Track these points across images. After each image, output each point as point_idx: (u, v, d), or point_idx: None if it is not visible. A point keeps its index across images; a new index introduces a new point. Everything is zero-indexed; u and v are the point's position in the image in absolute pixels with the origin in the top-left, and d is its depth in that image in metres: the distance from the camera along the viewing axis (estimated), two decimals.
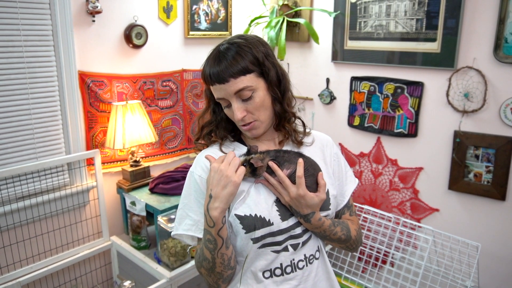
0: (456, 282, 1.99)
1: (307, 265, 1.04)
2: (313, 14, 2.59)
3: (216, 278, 1.01)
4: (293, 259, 1.03)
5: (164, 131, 2.50)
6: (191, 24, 2.50)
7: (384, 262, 2.25)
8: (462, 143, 2.07)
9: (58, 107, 2.04)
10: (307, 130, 1.15)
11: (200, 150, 1.13)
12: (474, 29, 1.96)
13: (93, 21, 2.09)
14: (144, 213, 2.12)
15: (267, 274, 1.02)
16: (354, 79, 2.45)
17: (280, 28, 2.43)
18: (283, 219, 1.01)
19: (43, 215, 2.02)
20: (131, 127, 2.12)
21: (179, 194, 1.45)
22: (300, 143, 1.11)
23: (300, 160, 1.00)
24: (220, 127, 1.10)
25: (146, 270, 2.05)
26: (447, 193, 2.19)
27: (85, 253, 2.16)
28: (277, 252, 1.01)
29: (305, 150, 1.10)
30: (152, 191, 2.20)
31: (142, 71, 2.34)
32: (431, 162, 2.22)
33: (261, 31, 2.64)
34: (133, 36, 2.22)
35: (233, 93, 0.98)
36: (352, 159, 2.56)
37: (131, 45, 2.25)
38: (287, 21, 2.49)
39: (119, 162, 2.32)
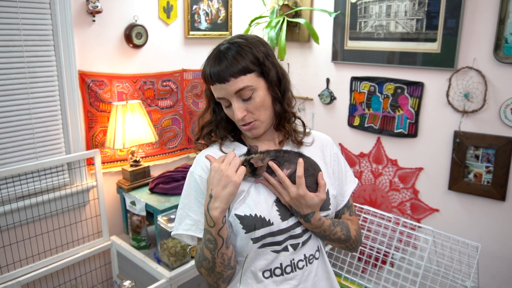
0: (456, 283, 1.99)
1: (307, 265, 1.05)
2: (313, 14, 2.59)
3: (216, 278, 1.01)
4: (293, 259, 1.03)
5: (164, 131, 2.50)
6: (191, 24, 2.51)
7: (384, 262, 2.25)
8: (462, 143, 2.07)
9: (58, 106, 2.04)
10: (307, 130, 1.15)
11: (200, 150, 1.13)
12: (474, 30, 1.96)
13: (93, 21, 2.09)
14: (144, 213, 2.12)
15: (267, 274, 1.02)
16: (354, 79, 2.45)
17: (280, 28, 2.43)
18: (283, 219, 1.01)
19: (43, 214, 2.02)
20: (131, 127, 2.12)
21: (179, 194, 1.45)
22: (300, 143, 1.11)
23: (300, 160, 1.00)
24: (220, 127, 1.11)
25: (146, 270, 2.05)
26: (447, 194, 2.19)
27: (85, 252, 2.16)
28: (277, 252, 1.01)
29: (305, 150, 1.10)
30: (152, 191, 2.20)
31: (142, 71, 2.34)
32: (431, 163, 2.22)
33: (261, 31, 2.64)
34: (133, 36, 2.22)
35: (233, 93, 0.98)
36: (352, 159, 2.56)
37: (131, 45, 2.25)
38: (287, 21, 2.49)
39: (119, 162, 2.32)
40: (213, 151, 1.08)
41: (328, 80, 2.59)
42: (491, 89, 1.95)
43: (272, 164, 1.00)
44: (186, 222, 1.05)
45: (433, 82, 2.14)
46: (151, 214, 2.13)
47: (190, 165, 1.11)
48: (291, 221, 1.02)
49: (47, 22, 1.95)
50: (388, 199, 2.43)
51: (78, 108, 2.09)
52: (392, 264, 2.27)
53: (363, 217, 2.23)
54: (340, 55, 2.48)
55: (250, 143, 1.10)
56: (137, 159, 2.26)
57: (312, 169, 1.04)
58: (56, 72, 2.01)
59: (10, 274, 1.92)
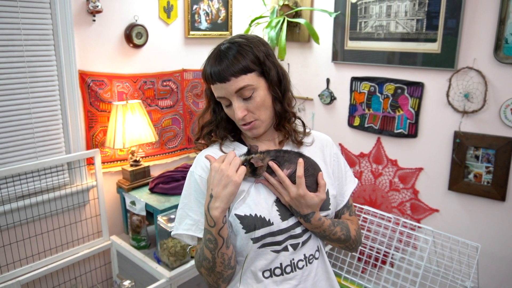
0: (455, 283, 1.99)
1: (306, 265, 1.05)
2: (313, 14, 2.59)
3: (216, 277, 1.01)
4: (293, 259, 1.03)
5: (164, 131, 2.50)
6: (192, 24, 2.51)
7: (383, 262, 2.25)
8: (462, 143, 2.07)
9: (58, 106, 2.04)
10: (307, 130, 1.15)
11: (200, 150, 1.13)
12: (474, 30, 1.96)
13: (94, 20, 2.09)
14: (144, 213, 2.12)
15: (267, 273, 1.02)
16: (354, 79, 2.45)
17: (281, 28, 2.43)
18: (283, 219, 1.01)
19: (43, 214, 2.02)
20: (131, 126, 2.12)
21: (179, 194, 1.46)
22: (300, 143, 1.11)
23: (300, 160, 1.00)
24: (220, 127, 1.11)
25: (145, 270, 2.05)
26: (447, 194, 2.19)
27: (84, 252, 2.16)
28: (277, 252, 1.01)
29: (305, 150, 1.10)
30: (152, 190, 2.20)
31: (142, 71, 2.34)
32: (431, 163, 2.22)
33: (261, 31, 2.64)
34: (134, 36, 2.22)
35: (234, 92, 0.98)
36: (352, 160, 2.56)
37: (131, 45, 2.25)
38: (288, 21, 2.49)
39: (119, 162, 2.32)
40: (213, 151, 1.08)
41: (328, 80, 2.59)
42: (491, 90, 1.95)
43: (272, 164, 1.00)
44: (186, 222, 1.05)
45: (433, 82, 2.14)
46: (151, 214, 2.13)
47: (190, 165, 1.11)
48: (291, 221, 1.02)
49: (47, 21, 1.95)
50: (388, 199, 2.43)
51: (78, 107, 2.09)
52: (392, 264, 2.27)
53: (363, 217, 2.23)
54: (340, 55, 2.48)
55: (250, 143, 1.10)
56: (137, 159, 2.26)
57: (312, 169, 1.04)
58: (56, 71, 2.01)
59: (10, 274, 1.92)
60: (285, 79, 1.06)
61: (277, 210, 1.01)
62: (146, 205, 2.09)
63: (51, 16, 1.95)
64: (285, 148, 1.10)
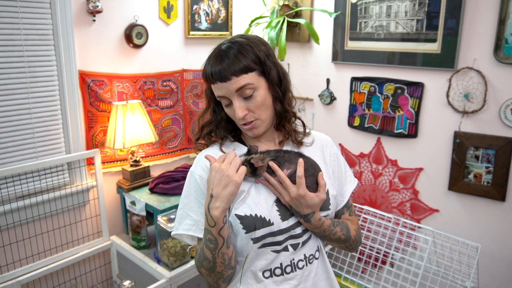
0: (455, 283, 1.99)
1: (307, 265, 1.05)
2: (313, 14, 2.59)
3: (216, 277, 1.01)
4: (293, 259, 1.03)
5: (164, 131, 2.50)
6: (192, 24, 2.51)
7: (383, 262, 2.25)
8: (462, 143, 2.07)
9: (58, 106, 2.04)
10: (307, 130, 1.15)
11: (200, 150, 1.13)
12: (474, 30, 1.96)
13: (94, 20, 2.09)
14: (144, 213, 2.12)
15: (267, 273, 1.02)
16: (354, 79, 2.45)
17: (281, 28, 2.43)
18: (283, 219, 1.01)
19: (43, 214, 2.02)
20: (131, 126, 2.12)
21: (179, 194, 1.45)
22: (300, 143, 1.11)
23: (301, 160, 1.00)
24: (220, 127, 1.11)
25: (145, 270, 2.05)
26: (447, 194, 2.19)
27: (84, 252, 2.16)
28: (277, 252, 1.01)
29: (305, 150, 1.10)
30: (152, 191, 2.20)
31: (142, 71, 2.34)
32: (431, 163, 2.22)
33: (261, 31, 2.64)
34: (134, 36, 2.22)
35: (234, 91, 0.98)
36: (352, 160, 2.56)
37: (131, 45, 2.25)
38: (288, 21, 2.49)
39: (119, 162, 2.32)
40: (213, 151, 1.09)
41: (328, 81, 2.59)
42: (491, 90, 1.95)
43: (273, 164, 1.00)
44: (186, 222, 1.05)
45: (433, 82, 2.14)
46: (151, 214, 2.13)
47: (190, 165, 1.11)
48: (291, 221, 1.02)
49: (48, 21, 1.95)
50: (388, 199, 2.43)
51: (78, 107, 2.09)
52: (392, 265, 2.27)
53: (363, 217, 2.23)
54: (340, 55, 2.48)
55: (250, 143, 1.10)
56: (137, 159, 2.26)
57: (312, 169, 1.04)
58: (56, 71, 2.01)
59: (10, 274, 1.92)
60: (285, 79, 1.06)
61: (277, 210, 1.01)
62: (146, 205, 2.09)
63: (51, 16, 1.95)
64: (285, 148, 1.10)
